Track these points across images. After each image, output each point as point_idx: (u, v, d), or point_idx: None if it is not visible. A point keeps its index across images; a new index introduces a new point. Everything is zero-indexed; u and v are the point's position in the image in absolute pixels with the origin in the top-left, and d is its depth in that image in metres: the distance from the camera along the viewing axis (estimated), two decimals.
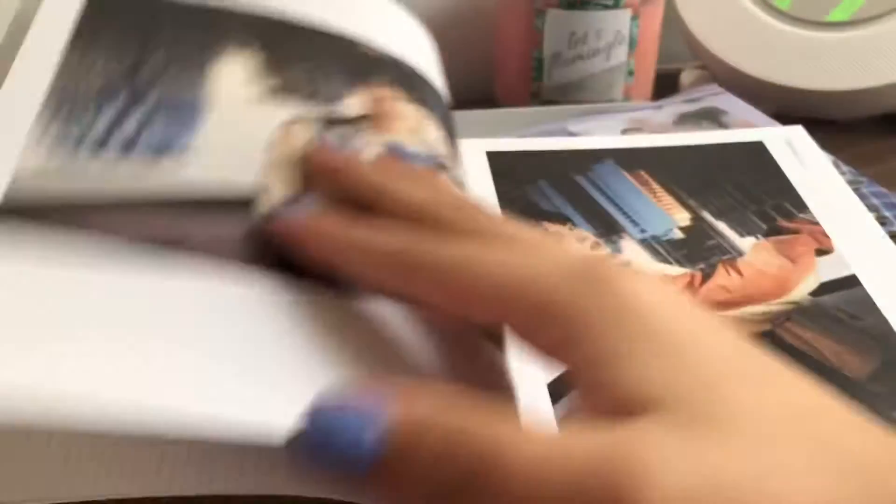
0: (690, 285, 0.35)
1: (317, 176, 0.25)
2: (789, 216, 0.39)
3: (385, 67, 0.31)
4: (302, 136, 0.26)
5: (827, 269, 0.36)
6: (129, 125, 0.24)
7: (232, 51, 0.28)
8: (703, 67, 0.66)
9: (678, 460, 0.16)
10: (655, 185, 0.41)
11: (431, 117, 0.30)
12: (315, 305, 0.22)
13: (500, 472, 0.16)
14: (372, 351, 0.22)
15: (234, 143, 0.25)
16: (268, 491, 0.21)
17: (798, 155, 0.44)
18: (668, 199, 0.40)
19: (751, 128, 0.48)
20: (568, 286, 0.19)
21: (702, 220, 0.39)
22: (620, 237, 0.38)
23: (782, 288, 0.35)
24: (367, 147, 0.27)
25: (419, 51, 0.34)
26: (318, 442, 0.18)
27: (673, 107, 0.53)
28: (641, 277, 0.19)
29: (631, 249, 0.37)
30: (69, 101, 0.24)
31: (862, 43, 0.58)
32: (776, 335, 0.33)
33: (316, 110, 0.27)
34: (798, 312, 0.34)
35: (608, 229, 0.38)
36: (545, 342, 0.19)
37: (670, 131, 0.49)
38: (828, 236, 0.38)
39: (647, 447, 0.16)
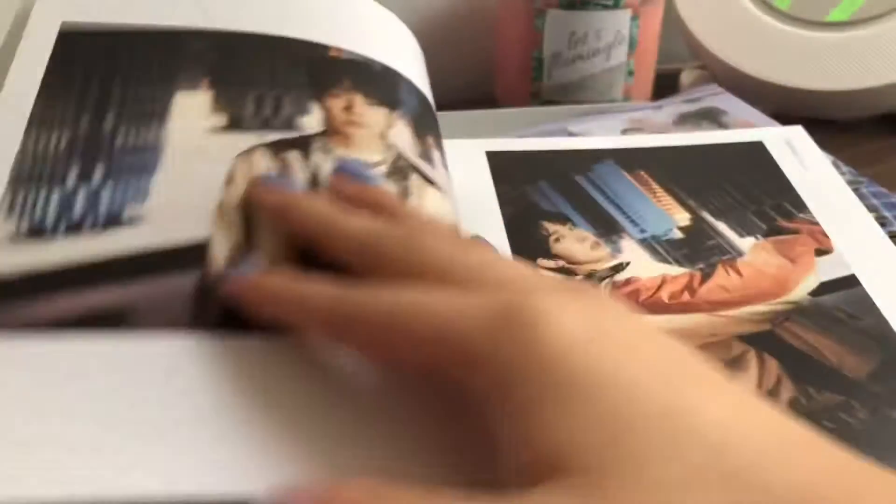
0: (690, 285, 0.35)
1: (263, 217, 0.25)
2: (789, 216, 0.39)
3: (349, 70, 0.30)
4: (257, 167, 0.26)
5: (826, 269, 0.36)
6: (78, 207, 0.24)
7: (184, 90, 0.28)
8: (702, 67, 0.66)
9: None
10: (655, 185, 0.41)
11: (403, 116, 0.30)
12: (261, 356, 0.22)
13: None
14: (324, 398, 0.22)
15: (188, 195, 0.25)
16: None
17: (798, 155, 0.44)
18: (667, 199, 0.40)
19: (750, 128, 0.48)
20: (490, 336, 0.19)
21: (701, 220, 0.39)
22: (620, 237, 0.38)
23: (782, 288, 0.35)
24: (321, 168, 0.27)
25: (393, 47, 0.34)
26: None
27: (673, 107, 0.53)
28: (567, 314, 0.19)
29: (631, 249, 0.37)
30: (24, 188, 0.24)
31: (861, 43, 0.58)
32: (776, 335, 0.33)
33: (270, 137, 0.27)
34: (797, 312, 0.34)
35: (608, 229, 0.38)
36: (474, 394, 0.19)
37: (670, 131, 0.49)
38: (827, 236, 0.38)
39: None
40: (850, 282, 0.35)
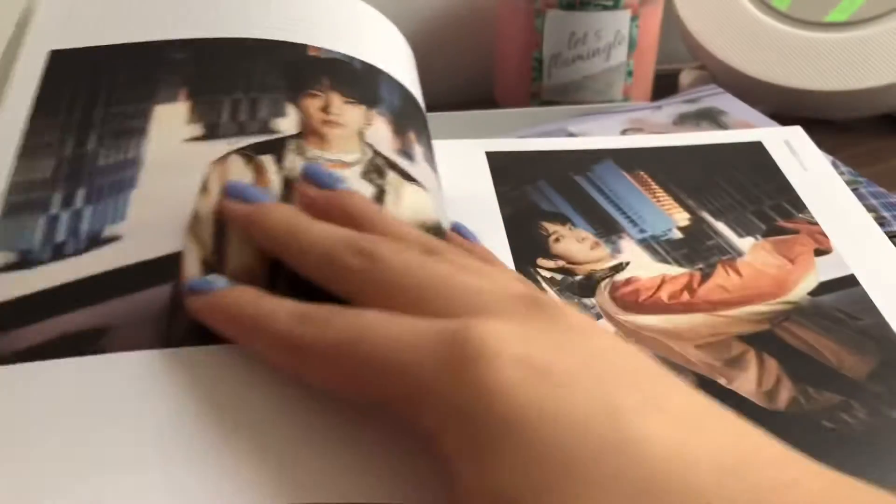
0: (689, 285, 0.35)
1: (234, 228, 0.25)
2: (788, 216, 0.39)
3: (327, 69, 0.31)
4: (230, 174, 0.26)
5: (826, 269, 0.36)
6: (61, 232, 0.25)
7: (163, 103, 0.28)
8: (702, 68, 0.66)
9: None
10: (655, 186, 0.41)
11: (382, 113, 0.30)
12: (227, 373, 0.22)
13: None
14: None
15: (164, 209, 0.25)
16: None
17: (797, 155, 0.44)
18: (667, 200, 0.40)
19: (750, 128, 0.49)
20: (431, 373, 0.19)
21: (701, 220, 0.39)
22: (620, 237, 0.38)
23: (781, 288, 0.35)
24: (296, 170, 0.27)
25: (375, 44, 0.34)
26: None
27: (672, 107, 0.53)
28: (512, 345, 0.19)
29: (630, 249, 0.37)
30: (13, 219, 0.25)
31: (860, 43, 0.58)
32: (775, 335, 0.33)
33: (245, 142, 0.27)
34: (797, 312, 0.34)
35: (608, 229, 0.38)
36: (421, 430, 0.19)
37: (669, 131, 0.49)
38: (826, 236, 0.38)
39: None
40: (850, 282, 0.35)
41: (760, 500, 0.16)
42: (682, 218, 0.39)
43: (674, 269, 0.36)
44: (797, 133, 0.46)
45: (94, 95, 0.28)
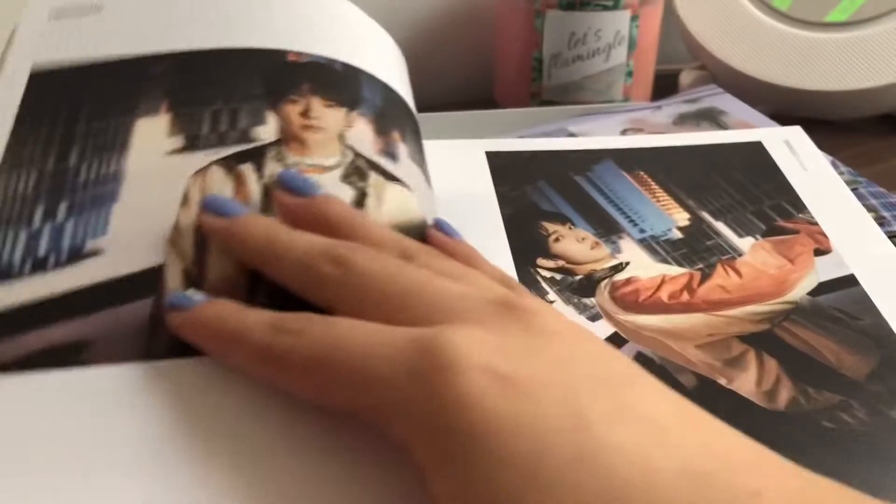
0: (689, 285, 0.35)
1: (211, 240, 0.25)
2: (788, 216, 0.39)
3: (307, 74, 0.31)
4: (210, 185, 0.26)
5: (825, 269, 0.36)
6: (42, 245, 0.25)
7: (144, 117, 0.28)
8: (702, 68, 0.66)
9: None
10: (654, 185, 0.41)
11: (364, 114, 0.30)
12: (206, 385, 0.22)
13: None
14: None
15: (146, 222, 0.25)
16: None
17: (797, 155, 0.44)
18: (667, 199, 0.40)
19: (749, 128, 0.49)
20: (402, 383, 0.19)
21: (701, 220, 0.39)
22: (620, 237, 0.38)
23: (781, 288, 0.35)
24: (274, 179, 0.27)
25: (357, 44, 0.34)
26: None
27: (672, 107, 0.53)
28: (482, 354, 0.19)
29: (630, 249, 0.37)
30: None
31: (860, 43, 0.58)
32: (775, 335, 0.33)
33: (225, 152, 0.27)
34: (797, 312, 0.34)
35: (607, 229, 0.38)
36: (393, 440, 0.19)
37: (669, 131, 0.49)
38: (826, 236, 0.38)
39: None
40: (849, 282, 0.35)
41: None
42: (682, 218, 0.39)
43: (674, 269, 0.36)
44: (797, 133, 0.46)
45: (76, 110, 0.28)
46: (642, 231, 0.38)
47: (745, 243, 0.38)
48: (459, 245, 0.27)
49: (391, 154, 0.30)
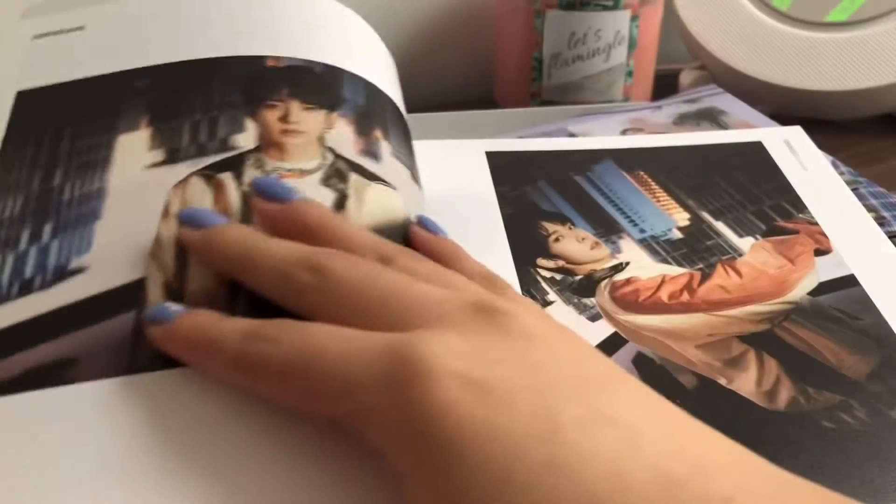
0: (689, 285, 0.35)
1: (190, 253, 0.25)
2: (788, 216, 0.39)
3: (285, 78, 0.31)
4: (191, 196, 0.27)
5: (825, 269, 0.36)
6: (29, 267, 0.25)
7: (126, 132, 0.28)
8: (702, 68, 0.66)
9: None
10: (654, 186, 0.41)
11: (344, 115, 0.30)
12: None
13: None
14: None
15: (129, 237, 0.26)
16: None
17: (797, 155, 0.44)
18: (667, 199, 0.40)
19: (750, 128, 0.49)
20: (376, 391, 0.19)
21: (701, 220, 0.39)
22: (620, 237, 0.38)
23: (781, 288, 0.35)
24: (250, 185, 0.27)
25: (337, 43, 0.34)
26: None
27: (672, 107, 0.53)
28: (455, 361, 0.19)
29: (630, 249, 0.37)
30: None
31: (861, 43, 0.58)
32: (775, 335, 0.33)
33: (205, 162, 0.28)
34: (797, 312, 0.34)
35: (608, 229, 0.38)
36: (371, 448, 0.20)
37: (669, 131, 0.49)
38: (826, 236, 0.38)
39: None
40: (849, 282, 0.35)
41: None
42: (682, 218, 0.39)
43: (674, 269, 0.36)
44: (797, 133, 0.46)
45: (61, 130, 0.28)
46: (642, 231, 0.38)
47: (745, 243, 0.38)
48: (443, 242, 0.27)
49: (373, 153, 0.30)
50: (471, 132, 0.48)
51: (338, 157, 0.29)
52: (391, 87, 0.34)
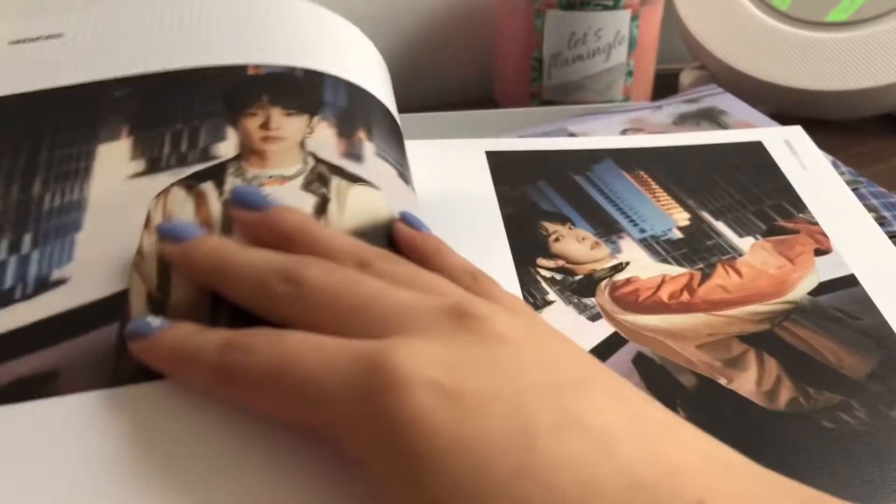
0: (689, 285, 0.35)
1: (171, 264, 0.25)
2: (788, 216, 0.39)
3: (266, 86, 0.31)
4: (172, 206, 0.27)
5: (826, 269, 0.36)
6: (8, 278, 0.25)
7: (106, 142, 0.28)
8: (702, 68, 0.66)
9: None
10: (655, 185, 0.41)
11: (326, 118, 0.30)
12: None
13: None
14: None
15: (111, 248, 0.25)
16: None
17: (797, 155, 0.44)
18: (667, 199, 0.40)
19: (750, 128, 0.49)
20: (350, 401, 0.19)
21: (701, 219, 0.39)
22: (620, 237, 0.38)
23: (781, 288, 0.35)
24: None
25: (319, 46, 0.33)
26: None
27: (672, 107, 0.53)
28: (428, 368, 0.19)
29: (630, 249, 0.37)
30: None
31: (861, 43, 0.58)
32: (775, 335, 0.33)
33: (186, 172, 0.28)
34: (797, 312, 0.34)
35: (608, 229, 0.38)
36: (347, 456, 0.20)
37: (670, 131, 0.49)
38: (826, 236, 0.38)
39: None
40: (850, 282, 0.35)
41: None
42: (682, 218, 0.39)
43: (674, 269, 0.36)
44: (797, 133, 0.46)
45: (38, 139, 0.28)
46: (642, 231, 0.38)
47: (745, 243, 0.38)
48: (426, 238, 0.27)
49: (355, 155, 0.30)
50: (471, 132, 0.48)
51: (319, 161, 0.29)
52: (379, 86, 0.34)
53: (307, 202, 0.27)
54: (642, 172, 0.42)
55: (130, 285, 0.25)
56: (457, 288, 0.24)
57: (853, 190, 0.42)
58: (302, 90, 0.31)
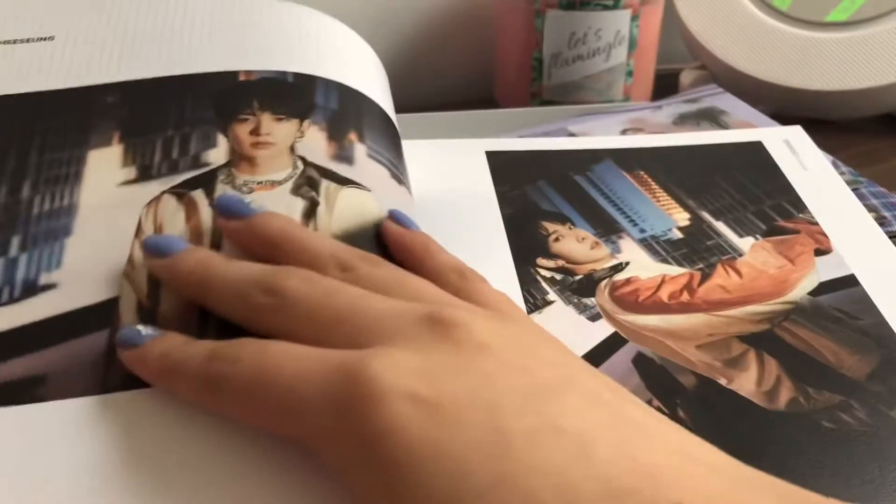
0: (689, 285, 0.35)
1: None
2: (788, 216, 0.39)
3: (256, 91, 0.31)
4: (162, 214, 0.27)
5: (826, 269, 0.36)
6: None
7: (97, 148, 0.28)
8: (702, 67, 0.66)
9: None
10: (654, 185, 0.41)
11: (316, 122, 0.30)
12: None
13: None
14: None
15: (100, 255, 0.25)
16: None
17: (797, 155, 0.44)
18: (667, 199, 0.40)
19: (750, 128, 0.49)
20: (327, 415, 0.19)
21: (701, 219, 0.39)
22: (620, 237, 0.38)
23: (781, 288, 0.35)
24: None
25: (310, 50, 0.33)
26: None
27: (672, 107, 0.53)
28: (404, 379, 0.19)
29: (630, 249, 0.37)
30: None
31: (860, 43, 0.58)
32: (775, 335, 0.33)
33: (178, 179, 0.28)
34: (797, 312, 0.34)
35: (607, 229, 0.38)
36: (329, 467, 0.20)
37: (670, 131, 0.49)
38: (827, 236, 0.38)
39: None
40: (850, 282, 0.35)
41: None
42: (682, 218, 0.39)
43: (674, 269, 0.36)
44: (797, 133, 0.46)
45: (28, 142, 0.28)
46: (642, 231, 0.38)
47: (745, 243, 0.38)
48: (415, 235, 0.27)
49: (345, 157, 0.30)
50: (471, 132, 0.48)
51: (308, 164, 0.29)
52: (374, 87, 0.34)
53: (296, 206, 0.27)
54: (642, 172, 0.42)
55: (121, 293, 0.25)
56: (439, 292, 0.24)
57: (853, 190, 0.42)
58: (293, 95, 0.31)
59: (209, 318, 0.24)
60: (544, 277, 0.35)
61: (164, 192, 0.27)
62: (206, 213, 0.27)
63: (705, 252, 0.37)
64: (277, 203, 0.27)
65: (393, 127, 0.34)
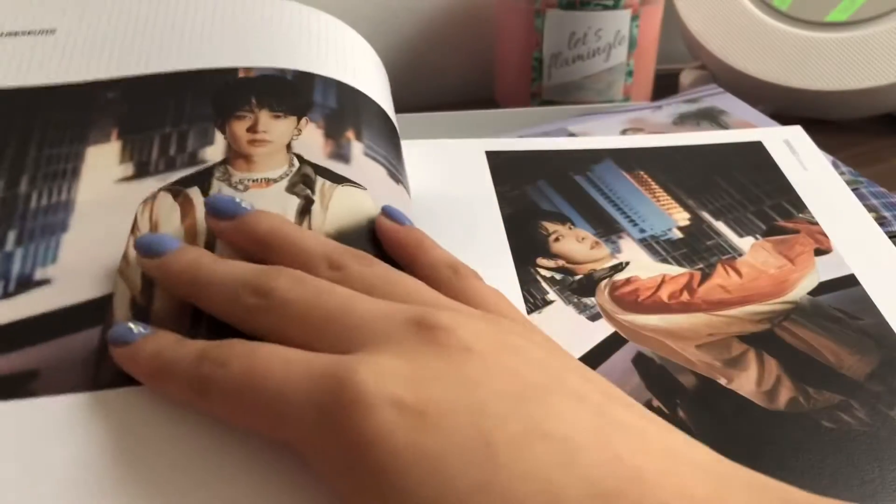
0: (689, 285, 0.35)
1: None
2: (788, 216, 0.39)
3: (255, 88, 0.31)
4: (158, 212, 0.27)
5: (826, 269, 0.36)
6: None
7: (95, 144, 0.28)
8: (702, 67, 0.66)
9: None
10: (654, 185, 0.41)
11: (314, 119, 0.30)
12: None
13: None
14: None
15: (96, 251, 0.25)
16: None
17: (797, 155, 0.44)
18: (667, 199, 0.40)
19: (750, 128, 0.49)
20: (313, 421, 0.19)
21: (701, 219, 0.39)
22: (620, 237, 0.38)
23: (781, 288, 0.35)
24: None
25: (309, 47, 0.33)
26: None
27: (672, 107, 0.53)
28: (390, 385, 0.19)
29: (630, 249, 0.37)
30: None
31: (860, 43, 0.58)
32: (775, 335, 0.33)
33: (174, 177, 0.28)
34: (797, 312, 0.34)
35: (607, 229, 0.38)
36: (316, 471, 0.20)
37: (669, 131, 0.49)
38: (826, 236, 0.38)
39: None
40: (850, 282, 0.35)
41: None
42: (682, 218, 0.39)
43: (674, 269, 0.36)
44: (797, 133, 0.46)
45: (27, 136, 0.28)
46: (642, 231, 0.38)
47: (745, 243, 0.38)
48: (410, 232, 0.27)
49: (342, 156, 0.30)
50: (471, 132, 0.48)
51: (304, 162, 0.29)
52: (373, 85, 0.34)
53: (291, 204, 0.27)
54: (642, 172, 0.42)
55: (115, 290, 0.24)
56: (430, 293, 0.24)
57: (853, 190, 0.42)
58: (291, 92, 0.31)
59: (203, 315, 0.24)
60: (544, 277, 0.35)
61: (159, 190, 0.27)
62: (201, 211, 0.27)
63: (705, 252, 0.37)
64: (272, 201, 0.27)
65: (392, 126, 0.34)
